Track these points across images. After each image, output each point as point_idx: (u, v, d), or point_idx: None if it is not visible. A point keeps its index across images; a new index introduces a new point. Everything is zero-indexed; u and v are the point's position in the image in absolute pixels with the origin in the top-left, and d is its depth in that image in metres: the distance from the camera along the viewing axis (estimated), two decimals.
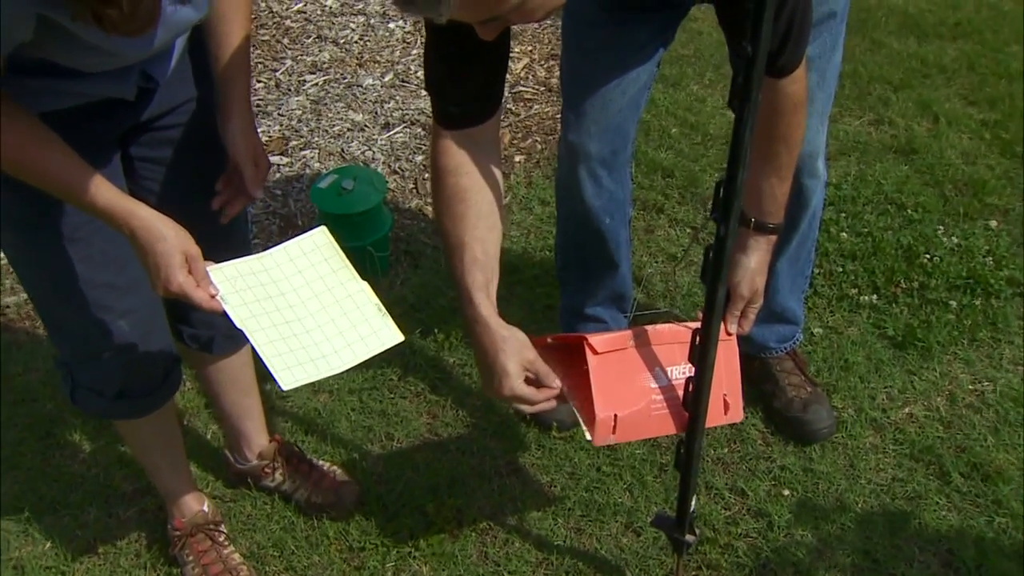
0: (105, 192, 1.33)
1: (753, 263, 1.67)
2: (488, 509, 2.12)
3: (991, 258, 2.70)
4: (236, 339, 1.87)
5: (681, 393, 1.66)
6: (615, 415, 1.61)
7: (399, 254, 2.83)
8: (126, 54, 1.31)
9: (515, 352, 1.51)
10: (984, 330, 2.50)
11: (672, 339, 1.68)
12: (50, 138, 1.30)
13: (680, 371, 1.68)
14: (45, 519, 2.13)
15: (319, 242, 1.54)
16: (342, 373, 1.47)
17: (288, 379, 1.41)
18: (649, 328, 1.67)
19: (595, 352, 1.62)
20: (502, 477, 2.19)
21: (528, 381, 1.55)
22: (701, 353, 1.57)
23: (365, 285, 1.53)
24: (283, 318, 1.46)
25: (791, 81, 1.52)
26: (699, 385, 1.60)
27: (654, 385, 1.66)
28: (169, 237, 1.34)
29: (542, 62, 3.70)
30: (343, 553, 2.03)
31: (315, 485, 2.08)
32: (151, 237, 1.34)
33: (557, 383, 1.55)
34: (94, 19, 1.07)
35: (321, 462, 2.14)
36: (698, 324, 1.67)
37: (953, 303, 2.56)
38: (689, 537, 1.81)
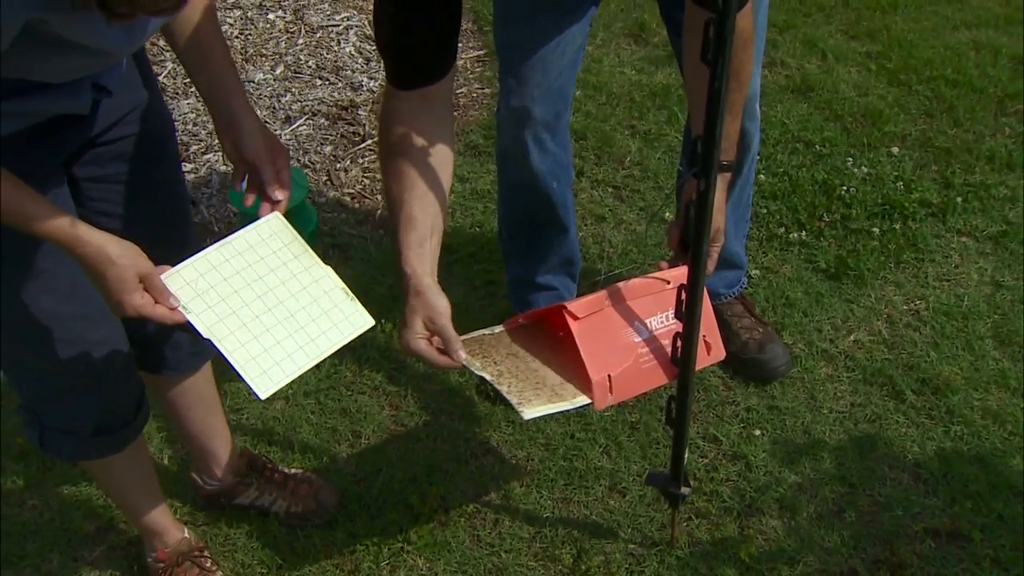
0: (48, 216, 1.23)
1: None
2: (471, 492, 2.10)
3: (901, 183, 2.82)
4: (201, 354, 1.79)
5: (664, 343, 1.68)
6: (609, 375, 1.62)
7: (326, 248, 2.75)
8: (113, 50, 1.22)
9: (421, 309, 1.46)
10: (907, 252, 2.61)
11: (645, 292, 1.69)
12: None
13: (659, 321, 1.69)
14: (4, 575, 1.99)
15: (275, 228, 1.47)
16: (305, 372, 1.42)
17: (265, 385, 1.36)
18: (621, 284, 1.67)
19: (576, 318, 1.62)
20: (478, 458, 2.17)
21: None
22: (688, 306, 1.58)
23: (329, 270, 1.49)
24: (251, 313, 1.40)
25: (741, 16, 1.53)
26: (688, 337, 1.62)
27: (638, 339, 1.67)
28: (118, 258, 1.27)
29: None
30: (334, 559, 1.97)
31: (292, 495, 2.02)
32: (100, 262, 1.26)
33: (460, 355, 1.49)
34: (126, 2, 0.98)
35: (294, 470, 2.07)
36: (664, 275, 1.70)
37: (875, 230, 2.66)
38: (685, 489, 1.84)
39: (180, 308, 1.34)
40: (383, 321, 2.44)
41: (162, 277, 1.34)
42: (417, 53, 1.49)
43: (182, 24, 1.42)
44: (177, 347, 1.74)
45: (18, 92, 1.22)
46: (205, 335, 1.35)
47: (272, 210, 1.48)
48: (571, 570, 1.94)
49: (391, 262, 2.68)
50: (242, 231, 1.46)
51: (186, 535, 1.89)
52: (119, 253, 1.28)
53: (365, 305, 1.51)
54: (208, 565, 1.88)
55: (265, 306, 1.42)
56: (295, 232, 1.49)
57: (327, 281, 1.48)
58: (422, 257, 1.49)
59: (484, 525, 2.03)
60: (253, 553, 1.99)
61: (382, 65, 3.44)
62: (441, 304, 1.47)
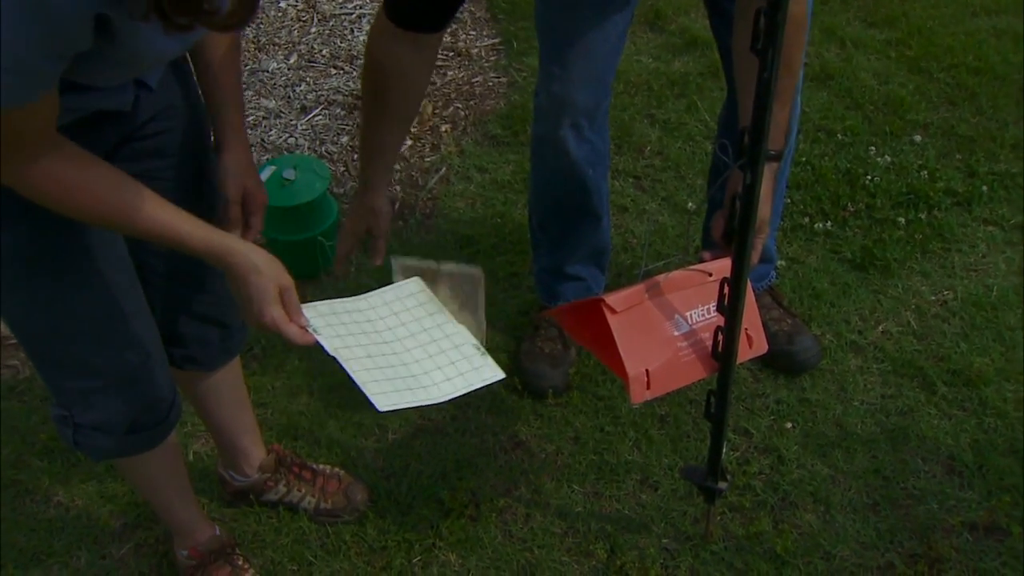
0: (198, 230, 1.27)
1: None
2: (501, 487, 2.08)
3: (925, 172, 2.79)
4: (229, 351, 1.77)
5: (704, 336, 1.66)
6: (646, 370, 1.60)
7: None
8: (166, 55, 1.21)
9: (357, 219, 1.71)
10: (933, 241, 2.59)
11: (684, 284, 1.67)
12: (129, 180, 1.25)
13: (699, 314, 1.67)
14: (32, 572, 1.97)
15: (413, 290, 1.51)
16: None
17: (384, 401, 1.35)
18: (660, 277, 1.65)
19: (614, 312, 1.60)
20: (507, 453, 2.15)
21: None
22: (732, 300, 1.56)
23: (463, 328, 1.50)
24: (379, 351, 1.42)
25: (795, 1, 1.50)
26: (730, 333, 1.59)
27: (677, 333, 1.65)
28: (263, 269, 1.30)
29: None
30: (364, 556, 1.95)
31: (321, 491, 1.99)
32: (246, 270, 1.29)
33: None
34: (198, 14, 0.97)
35: (323, 466, 2.05)
36: (704, 267, 1.68)
37: (901, 219, 2.64)
38: (722, 484, 1.82)
39: (310, 330, 1.36)
40: None
41: None
42: (420, 4, 1.51)
43: (206, 45, 1.43)
44: (206, 343, 1.72)
45: (63, 89, 1.19)
46: (331, 353, 1.36)
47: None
48: (605, 565, 1.92)
49: (412, 253, 2.61)
50: (380, 290, 1.51)
51: (217, 532, 1.87)
52: (265, 263, 1.31)
53: None
54: (240, 563, 1.86)
55: (392, 350, 1.43)
56: (432, 295, 1.53)
57: (459, 336, 1.48)
58: (384, 183, 1.69)
59: (515, 520, 2.01)
60: (283, 550, 1.97)
61: None
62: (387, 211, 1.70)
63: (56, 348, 1.44)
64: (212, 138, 1.59)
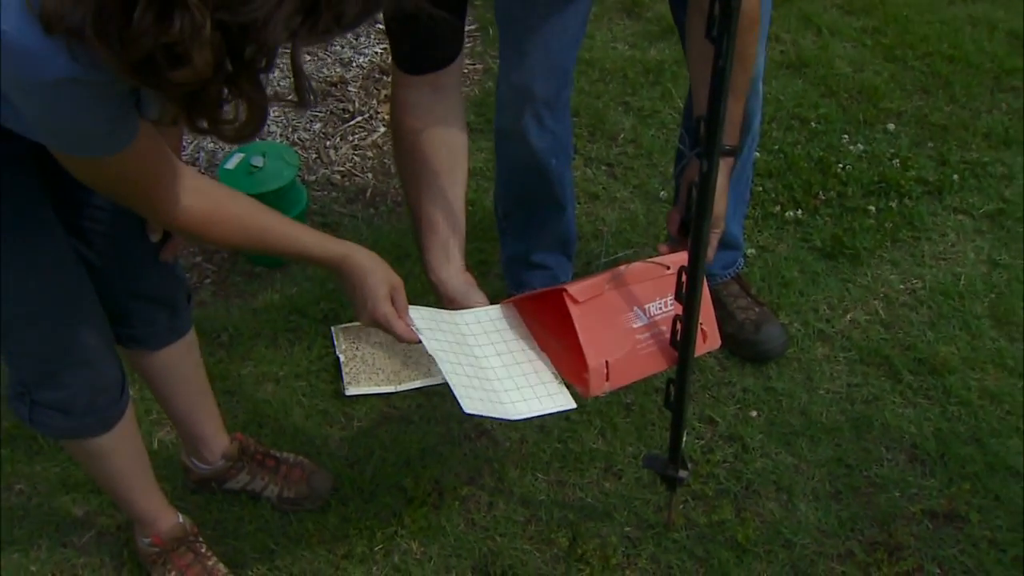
0: (316, 240, 1.39)
1: None
2: (465, 475, 2.08)
3: (897, 160, 2.79)
4: (177, 330, 1.76)
5: (663, 328, 1.65)
6: (606, 361, 1.59)
7: (316, 228, 2.71)
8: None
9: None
10: (903, 230, 2.59)
11: (644, 277, 1.66)
12: (254, 202, 1.36)
13: (657, 307, 1.67)
14: None
15: (494, 315, 1.58)
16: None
17: (470, 405, 1.43)
18: (622, 268, 1.65)
19: (576, 302, 1.59)
20: (472, 441, 2.15)
21: None
22: (689, 289, 1.56)
23: (545, 357, 1.58)
24: (468, 362, 1.50)
25: None
26: (687, 322, 1.59)
27: (637, 325, 1.64)
28: (377, 271, 1.39)
29: None
30: (327, 544, 1.95)
31: (284, 479, 1.99)
32: (361, 273, 1.38)
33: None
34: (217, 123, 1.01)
35: (286, 454, 2.04)
36: (664, 259, 1.67)
37: (871, 208, 2.64)
38: (683, 473, 1.82)
39: (415, 328, 1.43)
40: None
41: None
42: (424, 37, 1.46)
43: None
44: (151, 323, 1.72)
45: None
46: (430, 351, 1.44)
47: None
48: (567, 554, 1.93)
49: (383, 241, 2.65)
50: (476, 310, 1.57)
51: (180, 520, 1.86)
52: (378, 265, 1.40)
53: None
54: (203, 550, 1.85)
55: (479, 364, 1.51)
56: (521, 320, 1.60)
57: (540, 363, 1.56)
58: (446, 262, 1.55)
59: (479, 508, 2.01)
60: (245, 538, 1.97)
61: (371, 40, 3.40)
62: (477, 304, 1.56)
63: (13, 331, 1.44)
64: None
